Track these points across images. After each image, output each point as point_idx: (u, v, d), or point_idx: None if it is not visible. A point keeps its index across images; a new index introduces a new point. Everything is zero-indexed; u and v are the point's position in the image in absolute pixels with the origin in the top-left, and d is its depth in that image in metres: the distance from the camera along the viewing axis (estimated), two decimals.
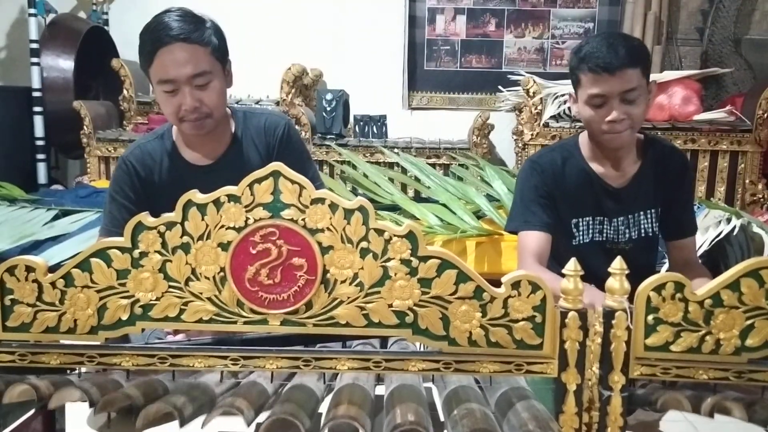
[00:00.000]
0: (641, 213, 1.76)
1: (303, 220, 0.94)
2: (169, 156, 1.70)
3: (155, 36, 1.56)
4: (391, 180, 3.40)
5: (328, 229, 0.94)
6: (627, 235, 1.75)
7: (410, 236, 0.94)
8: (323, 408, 1.00)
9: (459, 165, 3.60)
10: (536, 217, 1.71)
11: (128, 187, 1.68)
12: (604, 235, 1.76)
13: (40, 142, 4.08)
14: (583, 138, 1.77)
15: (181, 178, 1.66)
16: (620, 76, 1.57)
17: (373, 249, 0.94)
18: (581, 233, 1.75)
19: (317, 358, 0.96)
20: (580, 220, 1.75)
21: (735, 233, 2.51)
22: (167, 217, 0.94)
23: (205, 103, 1.57)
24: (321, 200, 0.94)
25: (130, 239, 0.94)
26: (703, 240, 2.48)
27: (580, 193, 1.74)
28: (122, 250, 0.94)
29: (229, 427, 1.17)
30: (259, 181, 0.93)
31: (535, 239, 1.69)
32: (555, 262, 1.70)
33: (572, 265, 0.94)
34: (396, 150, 3.68)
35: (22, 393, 0.96)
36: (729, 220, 2.56)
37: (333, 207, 0.94)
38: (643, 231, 1.76)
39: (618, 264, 0.94)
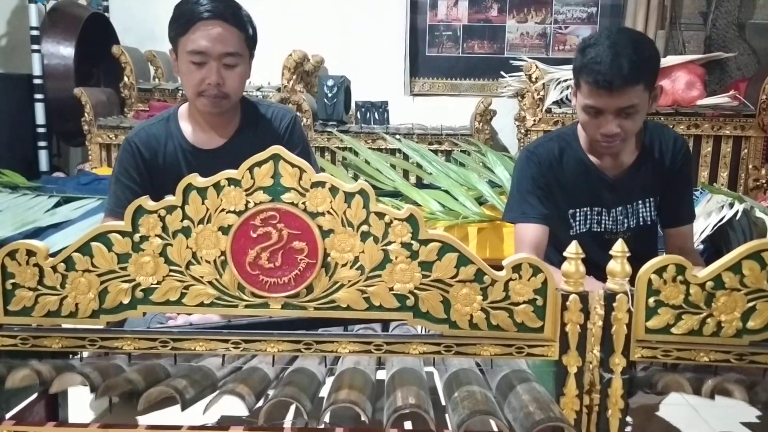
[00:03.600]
0: (639, 202, 1.74)
1: (303, 203, 0.93)
2: (173, 139, 1.70)
3: (197, 9, 1.58)
4: (393, 166, 3.38)
5: (328, 212, 0.94)
6: (626, 225, 1.74)
7: (411, 220, 0.94)
8: (324, 392, 1.01)
9: (461, 151, 3.58)
10: (533, 209, 1.70)
11: (133, 169, 1.69)
12: (602, 225, 1.75)
13: (41, 130, 4.06)
14: (581, 128, 1.76)
15: (186, 162, 1.67)
16: (619, 95, 1.51)
17: (374, 232, 0.94)
18: (578, 223, 1.74)
19: (318, 341, 0.96)
20: (577, 210, 1.74)
21: (737, 218, 2.50)
22: (167, 200, 0.94)
23: (227, 84, 1.61)
24: (321, 184, 0.93)
25: (130, 223, 0.94)
26: (705, 225, 2.47)
27: (578, 184, 1.72)
28: (123, 234, 0.94)
29: (230, 412, 1.17)
30: (259, 164, 0.93)
31: (531, 231, 1.68)
32: (555, 251, 1.69)
33: (573, 248, 0.94)
34: (398, 136, 3.66)
35: (24, 377, 0.96)
36: (731, 205, 2.55)
37: (333, 190, 0.93)
38: (641, 220, 1.75)
39: (620, 247, 0.94)
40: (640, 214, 1.74)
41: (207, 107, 1.63)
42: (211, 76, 1.58)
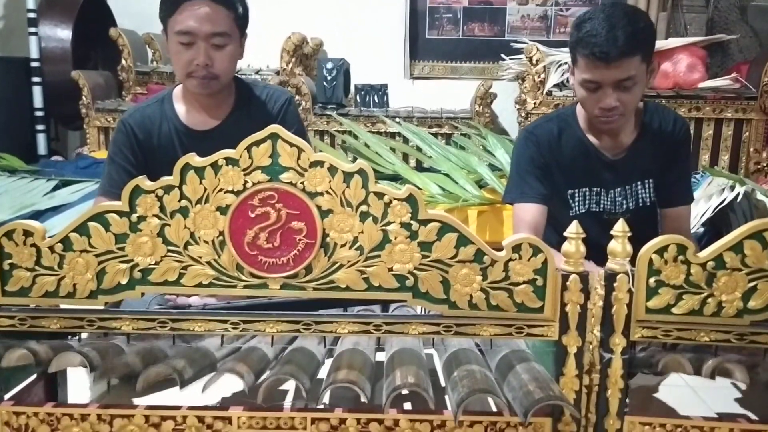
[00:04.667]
0: (638, 183, 1.73)
1: (302, 183, 0.93)
2: (168, 120, 1.70)
3: None
4: (393, 150, 3.37)
5: (327, 192, 0.93)
6: (625, 206, 1.74)
7: (410, 200, 0.93)
8: (323, 374, 1.00)
9: (461, 134, 3.56)
10: (532, 189, 1.69)
11: (127, 150, 1.68)
12: (601, 206, 1.74)
13: (39, 113, 4.05)
14: (581, 108, 1.75)
15: (180, 143, 1.67)
16: (617, 66, 1.51)
17: (373, 212, 0.93)
18: (577, 204, 1.74)
19: (317, 321, 0.96)
20: (576, 191, 1.73)
21: (738, 201, 2.49)
22: (165, 180, 0.93)
23: (216, 64, 1.59)
24: (320, 163, 0.93)
25: (128, 203, 0.93)
26: (706, 208, 2.47)
27: (576, 164, 1.71)
28: (120, 214, 0.93)
29: (228, 391, 1.18)
30: (257, 143, 0.92)
31: (530, 211, 1.68)
32: (554, 232, 1.69)
33: (574, 228, 0.94)
34: (397, 119, 3.64)
35: (20, 357, 0.96)
36: (732, 188, 2.54)
37: (332, 170, 0.93)
38: (641, 201, 1.74)
39: (621, 227, 0.94)
40: (639, 195, 1.73)
41: (197, 88, 1.62)
42: (199, 56, 1.56)
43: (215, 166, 0.92)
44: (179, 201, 0.93)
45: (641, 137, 1.70)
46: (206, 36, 1.56)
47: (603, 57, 1.50)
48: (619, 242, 0.93)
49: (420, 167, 3.38)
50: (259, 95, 1.77)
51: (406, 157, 3.51)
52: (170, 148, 1.65)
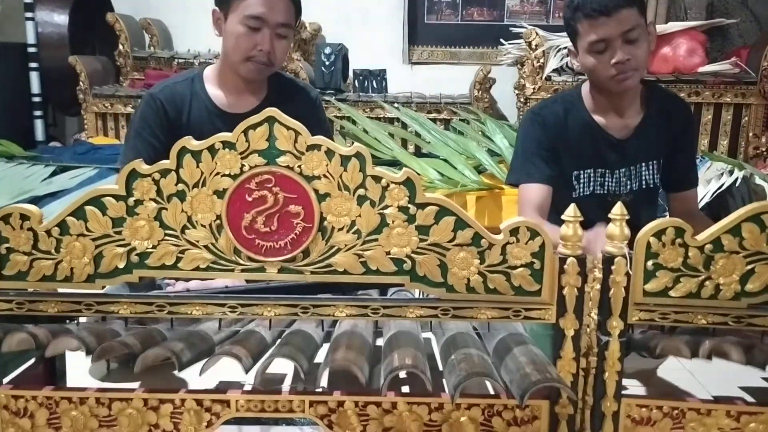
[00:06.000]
0: (643, 164, 1.74)
1: (299, 167, 0.92)
2: (199, 100, 1.70)
3: None
4: (391, 135, 3.37)
5: (324, 176, 0.93)
6: (628, 187, 1.74)
7: (408, 183, 0.93)
8: (321, 358, 1.01)
9: (460, 120, 3.56)
10: (537, 170, 1.69)
11: (156, 125, 1.67)
12: (605, 187, 1.74)
13: (36, 99, 4.04)
14: (586, 89, 1.74)
15: (212, 124, 1.66)
16: (617, 17, 1.54)
17: (371, 196, 0.93)
18: (582, 185, 1.74)
19: (315, 305, 0.96)
20: (582, 172, 1.73)
21: (737, 185, 2.50)
22: (162, 164, 0.92)
23: (276, 53, 1.63)
24: (317, 147, 0.92)
25: (124, 187, 0.93)
26: (705, 192, 2.47)
27: (583, 145, 1.71)
28: (117, 197, 0.93)
29: (226, 375, 1.18)
30: (254, 127, 0.92)
31: (536, 192, 1.68)
32: (556, 215, 1.69)
33: (572, 212, 0.93)
34: (396, 105, 3.64)
35: (20, 341, 0.96)
36: (731, 172, 2.54)
37: (329, 153, 0.92)
38: (644, 183, 1.74)
39: (618, 210, 0.93)
40: (643, 177, 1.74)
41: (252, 73, 1.65)
42: (264, 43, 1.60)
43: (212, 149, 0.92)
44: (176, 185, 0.93)
45: (647, 118, 1.71)
46: (275, 24, 1.60)
47: (603, 9, 1.54)
48: (616, 225, 0.93)
49: (419, 153, 3.37)
50: (292, 86, 1.83)
51: (404, 143, 3.51)
52: (201, 128, 1.64)
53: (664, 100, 1.75)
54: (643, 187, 1.75)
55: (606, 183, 1.74)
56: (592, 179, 1.74)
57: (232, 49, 1.63)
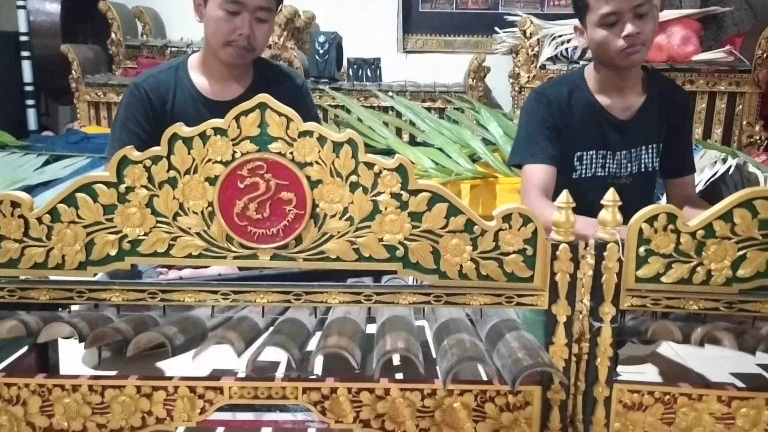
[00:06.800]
0: (643, 147, 1.75)
1: (291, 153, 0.92)
2: (183, 88, 1.68)
3: None
4: (386, 124, 3.36)
5: (316, 162, 0.92)
6: (629, 170, 1.75)
7: (400, 170, 0.92)
8: (314, 345, 1.01)
9: (454, 108, 3.55)
10: (542, 150, 1.69)
11: (141, 115, 1.66)
12: (606, 169, 1.75)
13: (29, 88, 4.01)
14: (589, 71, 1.75)
15: (197, 112, 1.65)
16: None
17: (363, 183, 0.93)
18: (584, 167, 1.74)
19: (308, 292, 0.96)
20: (584, 153, 1.73)
21: (730, 173, 2.50)
22: (153, 151, 0.92)
23: (256, 37, 1.62)
24: (309, 133, 0.92)
25: (115, 174, 0.92)
26: (698, 180, 2.48)
27: (586, 126, 1.72)
28: (108, 184, 0.92)
29: (219, 362, 1.18)
30: (245, 113, 0.91)
31: (540, 172, 1.68)
32: (555, 196, 1.69)
33: (564, 198, 0.93)
34: (390, 94, 3.63)
35: (12, 329, 0.96)
36: (725, 160, 2.55)
37: (321, 140, 0.92)
38: (643, 166, 1.76)
39: (611, 196, 0.93)
40: (643, 160, 1.75)
41: (232, 58, 1.63)
42: (244, 27, 1.59)
43: (203, 136, 0.91)
44: (167, 171, 0.92)
45: (648, 101, 1.73)
46: (253, 8, 1.59)
47: None
48: (609, 211, 0.93)
49: (413, 141, 3.37)
50: (278, 72, 1.81)
51: (399, 132, 3.50)
52: (186, 116, 1.64)
53: (664, 85, 1.77)
54: (642, 170, 1.76)
55: (607, 165, 1.75)
56: (594, 161, 1.74)
57: (212, 34, 1.62)
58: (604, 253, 0.93)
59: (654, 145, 1.75)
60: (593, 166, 1.74)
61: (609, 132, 1.72)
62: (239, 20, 1.58)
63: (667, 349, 1.46)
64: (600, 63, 1.70)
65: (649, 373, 1.40)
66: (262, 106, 0.91)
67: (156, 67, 1.81)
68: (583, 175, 1.73)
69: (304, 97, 1.83)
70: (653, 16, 1.63)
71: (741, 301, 0.94)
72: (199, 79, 1.70)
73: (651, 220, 0.92)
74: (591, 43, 1.66)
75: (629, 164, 1.74)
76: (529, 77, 3.54)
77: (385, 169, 0.92)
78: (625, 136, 1.73)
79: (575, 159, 1.73)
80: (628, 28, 1.58)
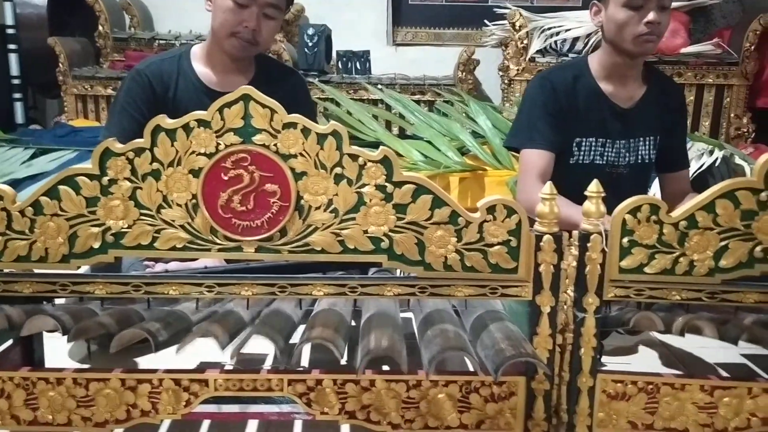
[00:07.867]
0: (641, 139, 1.76)
1: (275, 145, 0.92)
2: (185, 78, 1.68)
3: None
4: (375, 117, 3.36)
5: (300, 154, 0.92)
6: (626, 159, 1.76)
7: (385, 161, 0.92)
8: (298, 337, 1.01)
9: (444, 101, 3.55)
10: (541, 135, 1.69)
11: (141, 101, 1.65)
12: (605, 158, 1.75)
13: (16, 81, 3.98)
14: (592, 59, 1.76)
15: (199, 101, 1.64)
16: None
17: (348, 175, 0.93)
18: (582, 153, 1.74)
19: (293, 284, 0.96)
20: (584, 139, 1.74)
21: (717, 165, 2.51)
22: (136, 143, 0.92)
23: (261, 32, 1.62)
24: (293, 125, 0.91)
25: (98, 166, 0.92)
26: None
27: (589, 112, 1.72)
28: (90, 177, 0.92)
29: (204, 355, 1.18)
30: (229, 105, 0.91)
31: (539, 158, 1.68)
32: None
33: (548, 189, 0.94)
34: (380, 86, 3.62)
35: None
36: (711, 153, 2.56)
37: (305, 132, 0.92)
38: (640, 157, 1.77)
39: (594, 187, 0.94)
40: (640, 151, 1.76)
41: (235, 49, 1.64)
42: (251, 20, 1.59)
43: (187, 128, 0.91)
44: (151, 164, 0.92)
45: (649, 92, 1.75)
46: (263, 3, 1.59)
47: None
48: (593, 203, 0.93)
49: (402, 134, 3.37)
50: (280, 68, 1.84)
51: (388, 125, 3.50)
52: (187, 105, 1.62)
53: (662, 80, 1.81)
54: (639, 161, 1.77)
55: (606, 153, 1.75)
56: (593, 148, 1.75)
57: (219, 24, 1.63)
58: (588, 244, 0.93)
59: (651, 138, 1.76)
60: (592, 153, 1.74)
61: (610, 119, 1.72)
62: (247, 13, 1.59)
63: (652, 340, 1.47)
64: (611, 46, 1.69)
65: (636, 363, 1.41)
66: (246, 98, 0.91)
67: (157, 55, 1.82)
68: (581, 161, 1.73)
69: (306, 95, 1.85)
70: (669, 13, 1.65)
71: (723, 291, 0.95)
72: (202, 69, 1.70)
73: (634, 211, 0.92)
74: (608, 22, 1.66)
75: (627, 154, 1.75)
76: (518, 70, 3.54)
77: (369, 160, 0.92)
78: (626, 125, 1.73)
79: (574, 144, 1.73)
80: (651, 15, 1.59)
